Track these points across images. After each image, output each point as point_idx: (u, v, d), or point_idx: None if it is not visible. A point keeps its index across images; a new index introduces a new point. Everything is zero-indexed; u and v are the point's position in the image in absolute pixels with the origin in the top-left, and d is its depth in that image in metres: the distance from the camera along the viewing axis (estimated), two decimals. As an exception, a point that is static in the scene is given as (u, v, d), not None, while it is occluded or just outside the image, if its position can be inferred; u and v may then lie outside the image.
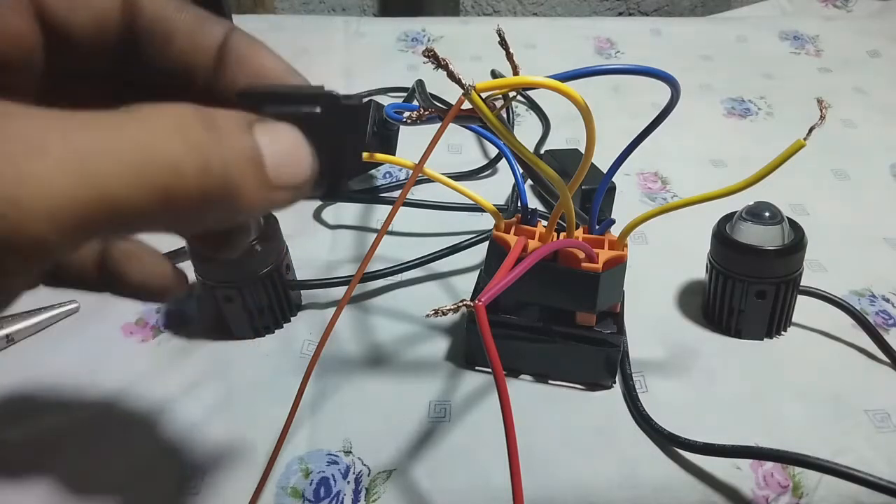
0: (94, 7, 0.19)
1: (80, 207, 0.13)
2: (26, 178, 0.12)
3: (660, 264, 0.45)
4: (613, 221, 0.35)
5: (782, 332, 0.40)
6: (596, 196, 0.34)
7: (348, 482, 0.32)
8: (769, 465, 0.32)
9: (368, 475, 0.32)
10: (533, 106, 0.65)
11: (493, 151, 0.57)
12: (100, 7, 0.19)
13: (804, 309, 0.40)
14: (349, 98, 0.20)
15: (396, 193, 0.52)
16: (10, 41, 0.18)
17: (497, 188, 0.53)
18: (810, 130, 0.27)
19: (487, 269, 0.36)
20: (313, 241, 0.48)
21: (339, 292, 0.42)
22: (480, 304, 0.24)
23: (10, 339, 0.39)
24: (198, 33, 0.20)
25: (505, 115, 0.35)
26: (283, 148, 0.17)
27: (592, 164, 0.34)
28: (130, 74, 0.20)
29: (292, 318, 0.41)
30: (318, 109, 0.19)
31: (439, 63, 0.23)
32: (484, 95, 0.25)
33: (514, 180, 0.37)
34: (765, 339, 0.40)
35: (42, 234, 0.13)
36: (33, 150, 0.12)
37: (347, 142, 0.20)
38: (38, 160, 0.12)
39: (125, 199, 0.13)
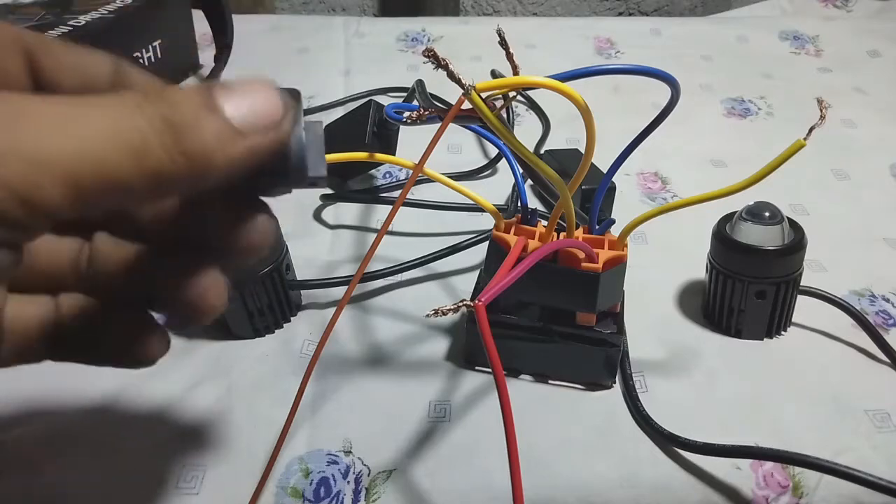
0: (86, 73, 0.21)
1: (66, 160, 0.15)
2: (19, 136, 0.15)
3: (660, 264, 0.45)
4: (613, 221, 0.35)
5: (782, 332, 0.40)
6: (596, 196, 0.34)
7: (348, 482, 0.32)
8: (769, 465, 0.32)
9: (368, 475, 0.32)
10: (533, 106, 0.65)
11: (493, 151, 0.57)
12: (91, 73, 0.21)
13: (804, 309, 0.40)
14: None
15: (396, 193, 0.52)
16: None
17: (497, 188, 0.53)
18: (810, 130, 0.27)
19: (487, 269, 0.36)
20: (313, 241, 0.48)
21: (339, 292, 0.42)
22: (480, 304, 0.24)
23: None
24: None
25: (505, 115, 0.35)
26: (250, 98, 0.18)
27: (592, 164, 0.34)
28: None
29: (292, 318, 0.41)
30: None
31: (439, 63, 0.23)
32: (484, 95, 0.25)
33: (514, 180, 0.37)
34: (765, 339, 0.40)
35: (35, 186, 0.15)
36: (26, 117, 0.15)
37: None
38: (28, 124, 0.15)
39: (102, 158, 0.16)
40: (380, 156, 0.37)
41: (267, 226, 0.21)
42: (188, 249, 0.22)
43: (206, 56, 0.71)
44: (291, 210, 0.50)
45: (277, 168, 0.20)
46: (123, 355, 0.23)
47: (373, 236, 0.48)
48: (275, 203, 0.22)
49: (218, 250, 0.21)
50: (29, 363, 0.23)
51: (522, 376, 0.37)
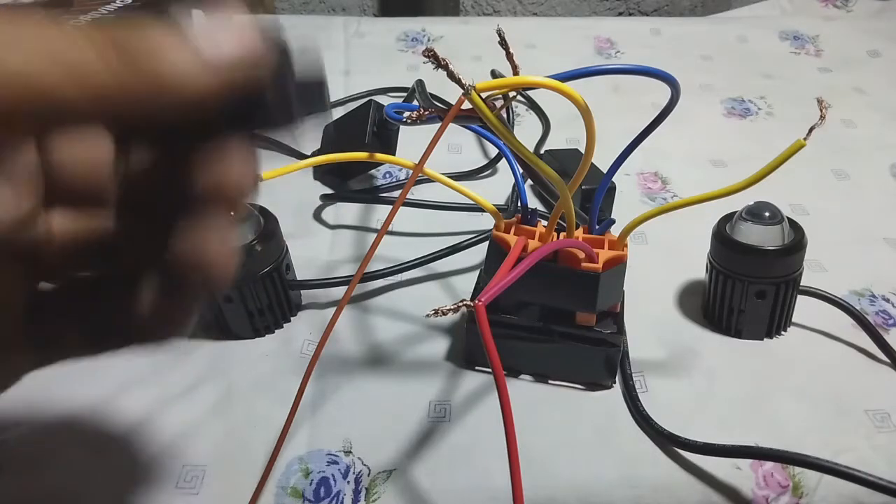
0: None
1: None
2: None
3: (660, 264, 0.45)
4: (613, 221, 0.35)
5: (782, 332, 0.40)
6: (596, 196, 0.34)
7: (348, 482, 0.32)
8: (769, 465, 0.32)
9: (368, 475, 0.32)
10: (533, 106, 0.65)
11: (493, 151, 0.57)
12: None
13: (804, 309, 0.40)
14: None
15: (396, 193, 0.52)
16: None
17: (497, 188, 0.53)
18: (810, 130, 0.27)
19: (487, 269, 0.36)
20: (313, 241, 0.48)
21: (339, 292, 0.42)
22: (480, 304, 0.24)
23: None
24: None
25: (505, 115, 0.35)
26: (225, 32, 0.17)
27: (592, 164, 0.34)
28: None
29: (292, 318, 0.41)
30: None
31: (439, 63, 0.23)
32: (484, 95, 0.25)
33: (514, 180, 0.37)
34: (765, 339, 0.40)
35: None
36: None
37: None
38: None
39: (35, 74, 0.15)
40: (380, 156, 0.37)
41: (245, 160, 0.19)
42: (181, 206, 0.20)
43: (206, 56, 0.71)
44: (291, 210, 0.50)
45: (260, 108, 0.18)
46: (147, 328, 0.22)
47: (373, 236, 0.48)
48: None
49: (199, 198, 0.19)
50: (78, 272, 0.22)
51: (522, 376, 0.37)
